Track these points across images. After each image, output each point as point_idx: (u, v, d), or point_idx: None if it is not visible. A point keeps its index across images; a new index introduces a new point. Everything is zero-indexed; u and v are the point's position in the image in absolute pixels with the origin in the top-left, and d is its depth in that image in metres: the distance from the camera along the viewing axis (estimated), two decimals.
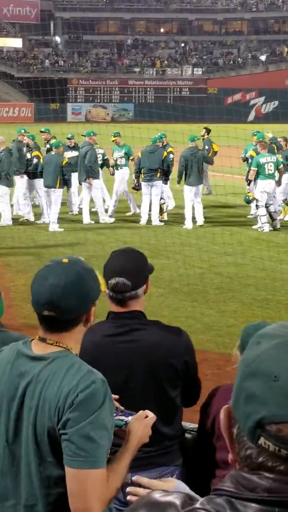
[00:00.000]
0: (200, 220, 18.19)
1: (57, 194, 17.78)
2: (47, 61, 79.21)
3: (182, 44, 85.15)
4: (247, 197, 18.34)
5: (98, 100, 74.55)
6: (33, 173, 18.73)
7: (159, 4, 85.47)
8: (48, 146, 19.64)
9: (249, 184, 18.97)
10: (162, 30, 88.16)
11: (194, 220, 18.13)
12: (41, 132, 20.63)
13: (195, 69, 79.69)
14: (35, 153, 18.98)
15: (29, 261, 14.13)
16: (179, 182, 18.55)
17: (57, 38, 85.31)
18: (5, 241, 16.34)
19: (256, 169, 17.43)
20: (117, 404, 3.00)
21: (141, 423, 2.89)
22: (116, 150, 20.22)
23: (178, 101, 67.95)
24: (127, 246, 4.31)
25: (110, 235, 16.91)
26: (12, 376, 2.79)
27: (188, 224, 18.00)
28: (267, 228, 17.40)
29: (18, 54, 79.44)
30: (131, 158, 19.81)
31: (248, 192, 18.69)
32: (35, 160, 18.77)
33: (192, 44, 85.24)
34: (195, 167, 18.06)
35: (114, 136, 20.30)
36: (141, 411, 2.95)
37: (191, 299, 11.63)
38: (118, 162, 19.93)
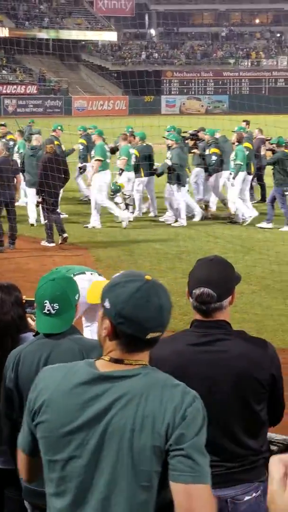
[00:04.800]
0: None
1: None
2: (143, 53, 79.39)
3: (278, 35, 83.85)
4: None
5: (193, 92, 74.23)
6: None
7: None
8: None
9: None
10: (257, 21, 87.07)
11: None
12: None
13: None
14: None
15: (120, 256, 14.07)
16: None
17: (152, 31, 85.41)
18: (96, 236, 16.32)
19: None
20: None
21: None
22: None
23: (273, 92, 66.94)
24: (215, 251, 4.11)
25: (202, 230, 16.70)
26: (82, 400, 2.61)
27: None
28: None
29: (113, 47, 79.94)
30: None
31: None
32: None
33: None
34: None
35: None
36: None
37: (283, 296, 11.33)
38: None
